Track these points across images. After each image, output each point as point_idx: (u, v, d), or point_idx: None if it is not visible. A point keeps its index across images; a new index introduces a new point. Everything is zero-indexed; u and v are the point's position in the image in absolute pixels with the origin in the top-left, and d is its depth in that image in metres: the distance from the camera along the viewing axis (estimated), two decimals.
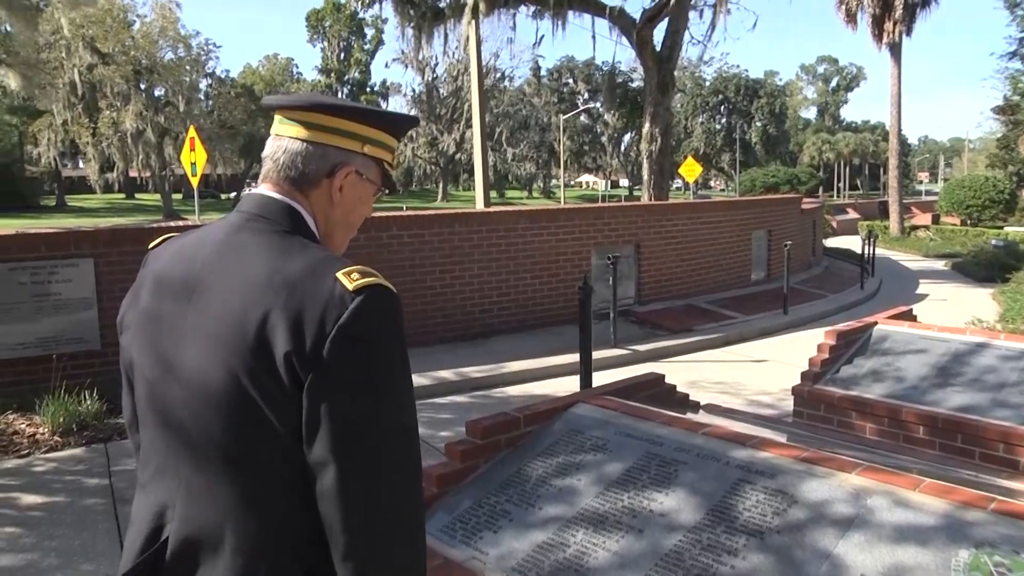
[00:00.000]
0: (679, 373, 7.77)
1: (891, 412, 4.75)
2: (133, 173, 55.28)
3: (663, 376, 4.37)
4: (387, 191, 1.49)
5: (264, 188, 1.37)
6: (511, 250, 9.57)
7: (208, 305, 1.23)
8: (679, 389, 7.22)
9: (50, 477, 5.31)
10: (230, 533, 1.22)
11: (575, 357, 8.05)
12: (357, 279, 1.19)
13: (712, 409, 4.71)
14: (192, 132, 16.86)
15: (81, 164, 54.17)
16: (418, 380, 7.37)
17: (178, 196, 54.24)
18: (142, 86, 46.55)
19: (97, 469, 5.42)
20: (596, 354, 8.24)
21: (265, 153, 1.39)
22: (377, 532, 1.17)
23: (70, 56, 42.56)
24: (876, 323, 5.62)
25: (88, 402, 6.24)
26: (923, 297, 13.32)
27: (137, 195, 63.52)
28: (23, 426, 6.15)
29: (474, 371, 7.73)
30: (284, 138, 1.36)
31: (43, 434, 6.00)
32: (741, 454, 3.06)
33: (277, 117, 1.38)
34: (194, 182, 16.18)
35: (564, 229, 9.98)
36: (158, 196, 51.92)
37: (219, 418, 1.21)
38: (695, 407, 4.58)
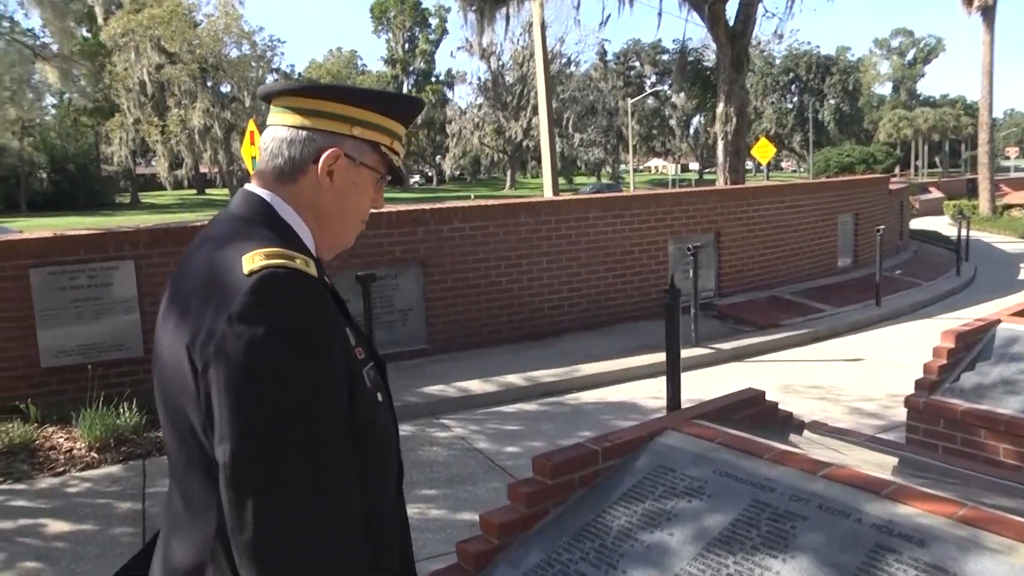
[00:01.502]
0: (769, 375, 7.11)
1: None
2: (203, 169, 56.30)
3: (763, 393, 3.76)
4: (392, 181, 1.42)
5: (250, 184, 1.36)
6: (582, 241, 8.98)
7: (171, 307, 1.23)
8: (771, 394, 6.59)
9: (81, 500, 4.98)
10: (183, 534, 1.24)
11: (655, 357, 7.46)
12: (258, 261, 1.14)
13: (817, 428, 4.07)
14: (251, 126, 16.68)
15: (153, 163, 55.35)
16: (482, 386, 6.88)
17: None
18: (208, 83, 47.25)
19: (131, 491, 5.08)
20: None
21: (259, 143, 1.37)
22: (262, 548, 1.07)
23: (139, 57, 43.36)
24: (999, 321, 4.88)
25: (127, 414, 5.91)
26: None
27: (208, 190, 64.71)
28: (61, 440, 5.86)
29: (544, 375, 7.18)
30: (275, 126, 1.33)
31: (80, 449, 5.71)
32: (876, 509, 2.44)
33: (271, 107, 1.35)
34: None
35: (639, 218, 9.34)
36: (227, 191, 52.76)
37: (172, 419, 1.22)
38: (799, 427, 3.95)
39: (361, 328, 1.39)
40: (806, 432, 3.93)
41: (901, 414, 5.05)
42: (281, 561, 1.08)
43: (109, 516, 4.70)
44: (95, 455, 5.61)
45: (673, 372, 5.70)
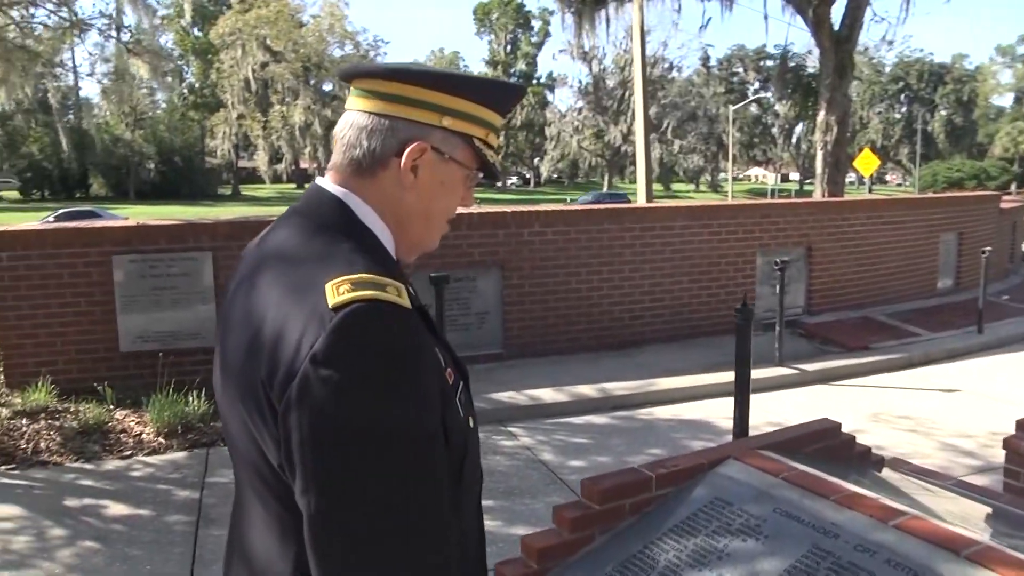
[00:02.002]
0: (856, 401, 6.74)
1: None
2: (304, 164, 57.86)
3: (839, 425, 3.48)
4: (485, 178, 1.25)
5: (322, 178, 1.20)
6: (667, 250, 8.71)
7: (231, 313, 1.14)
8: (858, 422, 6.29)
9: (143, 485, 5.07)
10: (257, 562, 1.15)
11: (733, 376, 7.16)
12: (345, 292, 0.99)
13: (899, 466, 3.76)
14: None
15: (255, 157, 57.27)
16: (553, 395, 6.72)
17: None
18: (311, 81, 48.52)
19: (192, 479, 5.13)
20: (757, 373, 7.28)
21: (334, 131, 1.21)
22: None
23: (244, 55, 44.87)
24: None
25: (196, 402, 6.01)
26: None
27: (306, 185, 66.34)
28: (132, 423, 6.01)
29: (617, 387, 6.97)
30: (353, 111, 1.17)
31: (148, 434, 5.83)
32: (953, 571, 2.18)
33: (352, 89, 1.18)
34: None
35: (727, 228, 9.01)
36: None
37: (238, 439, 1.12)
38: (878, 464, 3.65)
39: (445, 339, 1.26)
40: (886, 470, 3.63)
41: (1001, 455, 4.68)
42: None
43: (167, 503, 4.77)
44: (162, 440, 5.72)
45: (742, 397, 5.42)
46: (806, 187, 64.21)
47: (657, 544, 2.67)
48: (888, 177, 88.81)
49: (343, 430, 0.96)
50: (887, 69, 71.37)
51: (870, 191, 57.04)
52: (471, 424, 1.17)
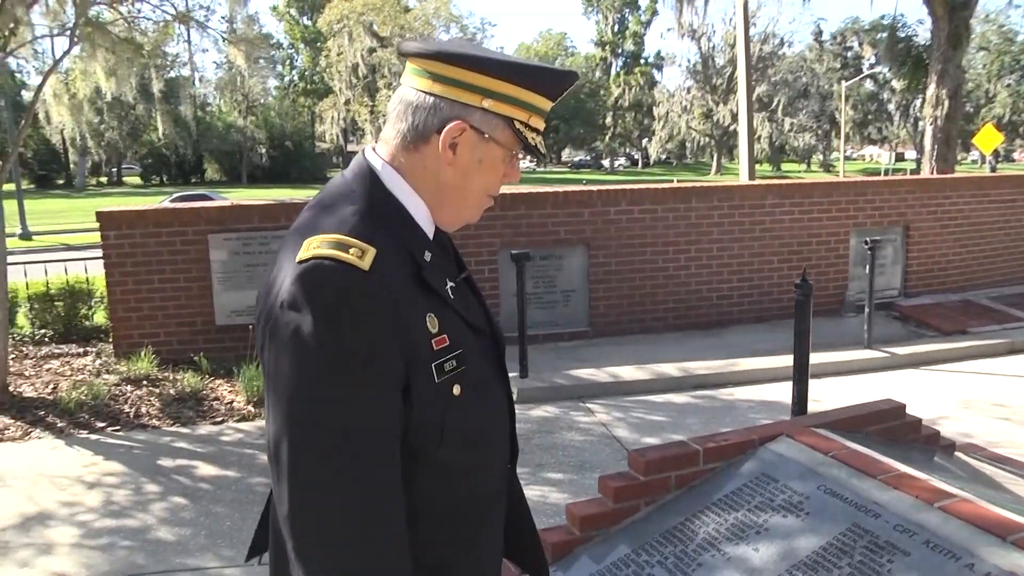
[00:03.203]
0: (947, 387, 6.47)
1: None
2: None
3: (903, 406, 3.39)
4: (528, 157, 1.32)
5: (371, 147, 1.29)
6: (756, 229, 8.53)
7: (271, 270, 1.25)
8: (946, 407, 6.03)
9: (231, 449, 5.38)
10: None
11: (822, 357, 7.02)
12: (313, 248, 1.12)
13: (972, 451, 3.63)
14: None
15: (363, 141, 58.57)
16: (634, 373, 6.71)
17: None
18: None
19: None
20: (843, 355, 7.13)
21: (388, 106, 1.30)
22: (294, 524, 1.11)
23: (351, 41, 45.85)
24: None
25: None
26: None
27: None
28: (225, 392, 6.37)
29: (700, 366, 6.90)
30: (405, 88, 1.26)
31: (239, 402, 6.18)
32: (994, 555, 2.12)
33: (407, 66, 1.27)
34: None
35: (819, 207, 8.75)
36: None
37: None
38: (948, 448, 3.54)
39: (477, 307, 1.35)
40: (957, 454, 3.52)
41: None
42: (310, 542, 1.10)
43: (251, 466, 5.05)
44: (251, 408, 6.04)
45: (799, 375, 5.33)
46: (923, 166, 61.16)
47: (699, 517, 2.68)
48: (1016, 155, 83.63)
49: (295, 370, 1.09)
50: (1020, 37, 67.05)
51: (993, 170, 53.87)
52: (456, 392, 1.21)
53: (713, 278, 8.43)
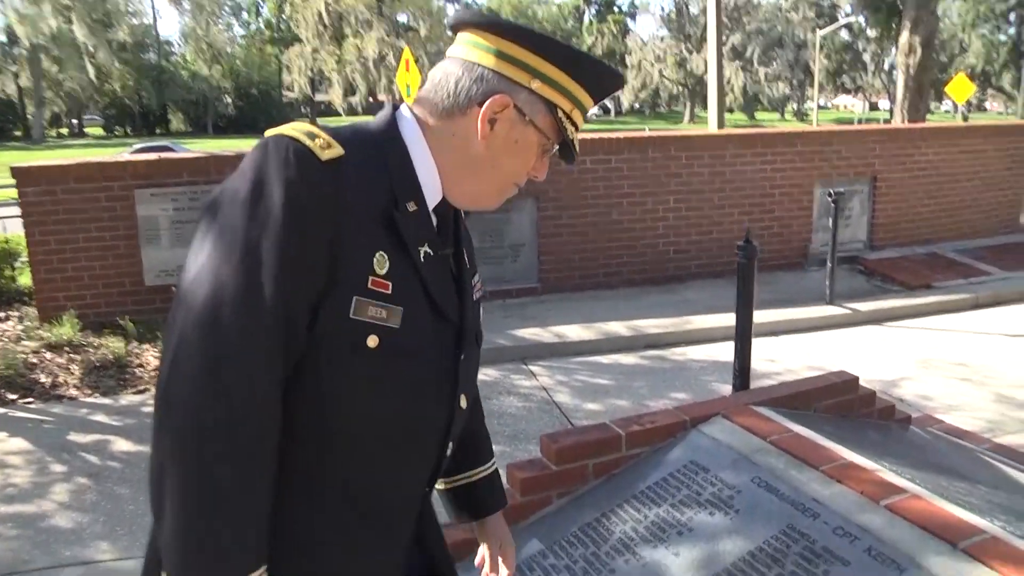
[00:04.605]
0: (908, 344, 6.21)
1: None
2: (381, 97, 57.69)
3: (856, 379, 3.07)
4: (561, 155, 1.24)
5: (404, 104, 1.23)
6: (716, 181, 8.16)
7: None
8: (906, 367, 5.77)
9: (151, 421, 4.98)
10: None
11: (781, 314, 6.76)
12: (279, 129, 1.09)
13: (928, 424, 3.33)
14: (407, 54, 16.54)
15: (331, 91, 57.38)
16: (580, 333, 6.38)
17: None
18: (384, 13, 48.02)
19: None
20: (802, 312, 6.85)
21: (429, 74, 1.23)
22: (160, 386, 1.03)
23: None
24: None
25: None
26: None
27: None
28: (151, 358, 5.93)
29: (651, 325, 6.57)
30: (451, 58, 1.20)
31: None
32: (944, 567, 1.81)
33: (458, 36, 1.21)
34: (409, 102, 15.85)
35: (783, 157, 8.37)
36: None
37: None
38: (904, 424, 3.23)
39: (452, 293, 1.24)
40: (911, 429, 3.21)
41: None
42: (162, 396, 1.03)
43: None
44: None
45: (742, 345, 4.85)
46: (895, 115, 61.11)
47: (616, 512, 2.36)
48: (988, 105, 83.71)
49: (208, 230, 1.05)
50: None
51: (965, 119, 53.72)
52: (372, 344, 1.09)
53: (670, 232, 8.08)
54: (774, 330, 6.50)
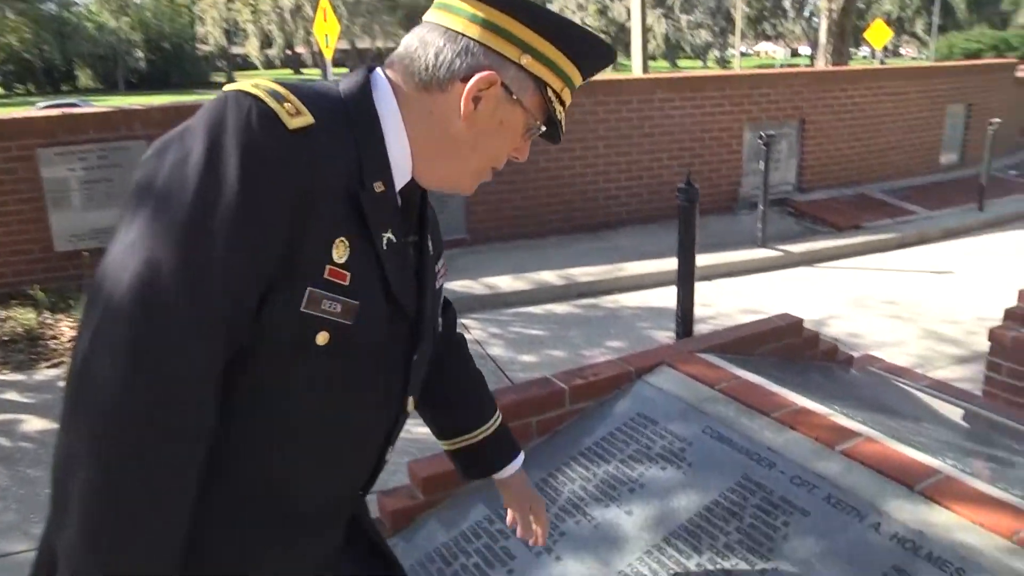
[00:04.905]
0: (840, 284, 6.27)
1: None
2: (299, 49, 55.90)
3: (801, 321, 3.02)
4: (546, 135, 1.13)
5: (381, 67, 1.09)
6: (645, 125, 8.06)
7: None
8: (839, 307, 5.84)
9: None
10: None
11: (713, 258, 6.73)
12: (241, 84, 0.96)
13: (870, 364, 3.32)
14: (324, 3, 15.95)
15: (247, 43, 55.37)
16: (512, 283, 6.26)
17: (343, 70, 54.75)
18: None
19: None
20: (735, 255, 6.85)
21: (404, 42, 1.09)
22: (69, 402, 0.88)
23: None
24: None
25: None
26: None
27: (303, 70, 64.51)
28: (65, 328, 5.56)
29: (583, 273, 6.49)
30: (430, 24, 1.07)
31: None
32: (904, 511, 1.75)
33: (437, 2, 1.08)
34: (328, 53, 15.36)
35: (712, 101, 8.31)
36: (318, 71, 52.44)
37: None
38: (846, 364, 3.20)
39: (412, 287, 1.12)
40: (853, 371, 3.19)
41: (986, 342, 4.25)
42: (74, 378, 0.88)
43: None
44: None
45: (685, 291, 4.72)
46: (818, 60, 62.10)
47: (563, 471, 2.25)
48: (903, 50, 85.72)
49: (145, 170, 0.93)
50: None
51: (882, 64, 54.84)
52: (321, 341, 0.98)
53: (600, 178, 7.97)
54: (707, 274, 6.49)
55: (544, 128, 1.12)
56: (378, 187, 1.02)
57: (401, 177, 1.07)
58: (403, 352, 1.12)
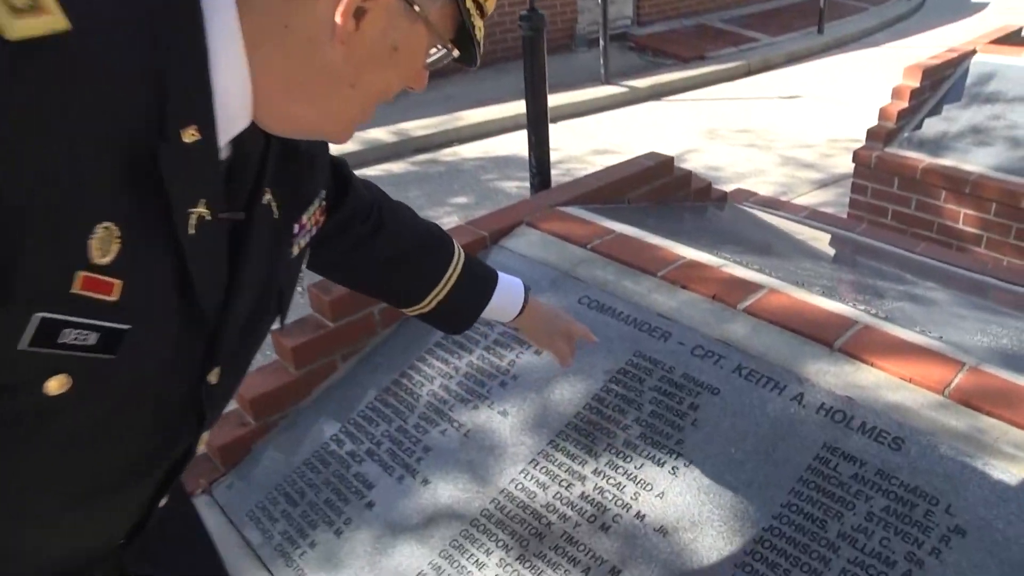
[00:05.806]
0: (691, 117, 6.04)
1: (1006, 195, 3.17)
2: None
3: (671, 160, 2.67)
4: (460, 60, 0.77)
5: None
6: None
7: None
8: (693, 139, 5.63)
9: None
10: None
11: (555, 99, 6.25)
12: None
13: (743, 200, 3.05)
14: None
15: None
16: (338, 147, 5.64)
17: None
18: None
19: None
20: (579, 94, 6.48)
21: None
22: None
23: None
24: (975, 52, 3.82)
25: None
26: (984, 6, 10.69)
27: None
28: None
29: (417, 127, 5.96)
30: None
31: None
32: (827, 376, 1.47)
33: None
34: None
35: None
36: None
37: None
38: (721, 203, 2.91)
39: (220, 281, 0.71)
40: (728, 207, 2.91)
41: (842, 164, 4.13)
42: None
43: None
44: None
45: (538, 135, 4.18)
46: None
47: (419, 369, 1.85)
48: None
49: None
50: None
51: None
52: (52, 389, 0.61)
53: None
54: (552, 116, 6.05)
55: (457, 53, 0.76)
56: (189, 135, 0.64)
57: (231, 120, 0.68)
58: (195, 380, 0.75)
